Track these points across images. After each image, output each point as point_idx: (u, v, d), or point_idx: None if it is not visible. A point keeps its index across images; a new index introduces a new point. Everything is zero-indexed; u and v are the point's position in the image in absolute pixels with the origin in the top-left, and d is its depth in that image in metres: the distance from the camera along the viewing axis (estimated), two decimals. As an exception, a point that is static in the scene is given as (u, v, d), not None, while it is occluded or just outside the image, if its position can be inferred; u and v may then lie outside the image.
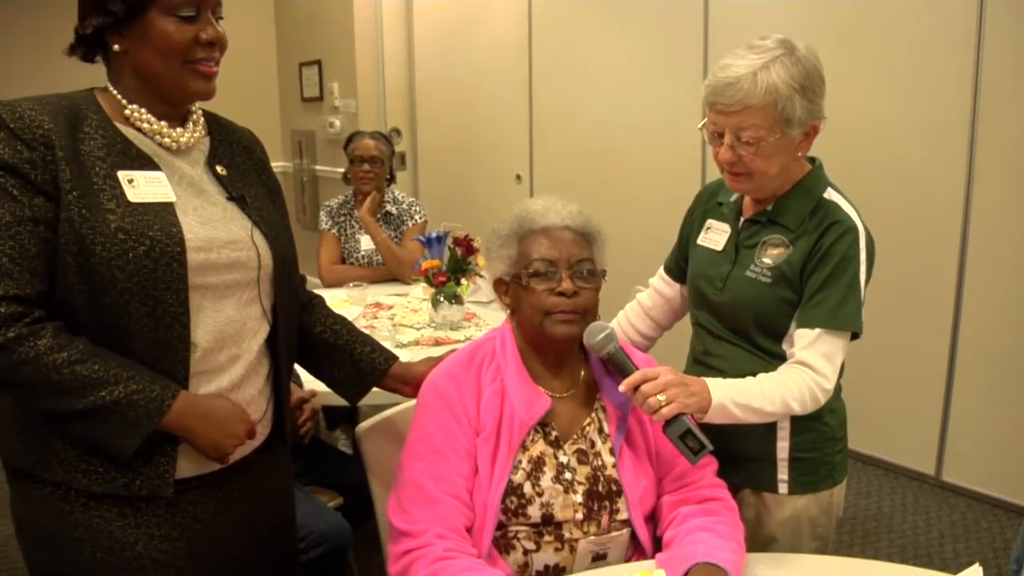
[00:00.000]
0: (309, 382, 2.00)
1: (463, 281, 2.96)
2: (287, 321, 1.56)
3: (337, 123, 5.89)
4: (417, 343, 2.75)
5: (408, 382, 1.73)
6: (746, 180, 1.69)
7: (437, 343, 2.75)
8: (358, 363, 1.72)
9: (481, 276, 3.02)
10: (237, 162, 1.53)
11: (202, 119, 1.49)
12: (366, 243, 3.69)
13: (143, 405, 1.28)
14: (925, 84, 3.40)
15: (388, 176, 3.79)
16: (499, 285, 1.69)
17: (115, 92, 1.38)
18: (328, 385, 1.77)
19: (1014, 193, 3.25)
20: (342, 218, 3.76)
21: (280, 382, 1.56)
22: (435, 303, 2.93)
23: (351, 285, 3.28)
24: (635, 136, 4.52)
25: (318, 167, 6.31)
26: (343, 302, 3.14)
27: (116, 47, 1.34)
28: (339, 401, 1.85)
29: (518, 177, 5.31)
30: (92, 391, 1.26)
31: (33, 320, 1.25)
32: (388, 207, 3.73)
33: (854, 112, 3.38)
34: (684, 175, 4.25)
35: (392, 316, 3.08)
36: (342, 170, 3.94)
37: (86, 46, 1.38)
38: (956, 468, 3.58)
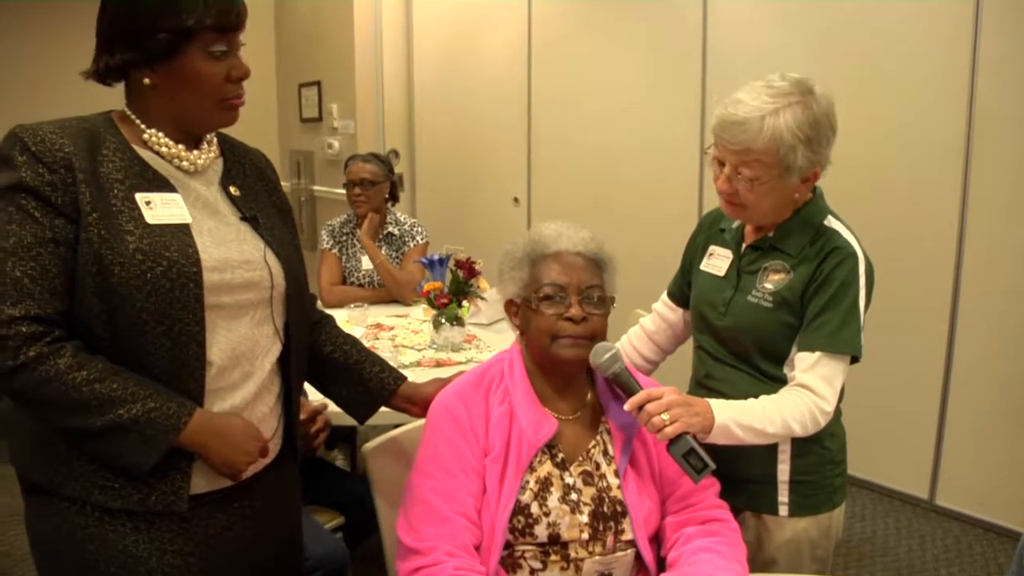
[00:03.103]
0: (316, 400, 2.02)
1: (464, 303, 2.99)
2: (299, 340, 1.58)
3: (336, 144, 5.93)
4: (419, 364, 2.78)
5: (416, 402, 1.76)
6: (740, 210, 1.74)
7: (438, 364, 2.78)
8: (367, 383, 1.75)
9: (482, 298, 3.05)
10: (249, 183, 1.56)
11: (215, 140, 1.53)
12: (367, 263, 3.70)
13: (160, 422, 1.30)
14: (920, 111, 3.46)
15: (388, 196, 3.81)
16: (510, 306, 1.72)
17: (134, 117, 1.41)
18: (337, 403, 1.79)
19: (1008, 218, 3.30)
20: (344, 237, 3.78)
21: (291, 400, 1.58)
22: (436, 324, 2.96)
23: (352, 306, 3.30)
24: (633, 160, 4.57)
25: (316, 187, 6.35)
26: (344, 323, 3.16)
27: (146, 81, 1.37)
28: (337, 420, 1.88)
29: (516, 200, 5.35)
30: (110, 409, 1.28)
31: (53, 339, 1.28)
32: (390, 228, 3.75)
33: (849, 139, 3.41)
34: (682, 199, 4.30)
35: (393, 337, 3.10)
36: (339, 191, 3.96)
37: (109, 75, 1.40)
38: (950, 492, 3.61)
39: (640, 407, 1.52)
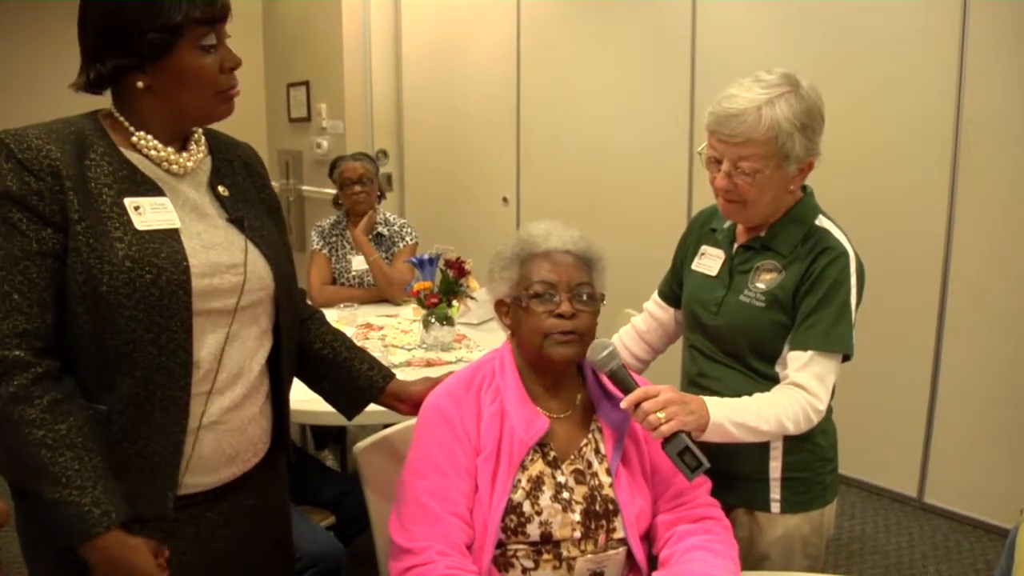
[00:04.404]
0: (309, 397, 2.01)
1: (454, 303, 2.99)
2: (288, 339, 1.58)
3: (324, 144, 5.91)
4: (409, 364, 2.77)
5: (405, 400, 1.75)
6: (739, 208, 1.74)
7: (428, 364, 2.77)
8: (356, 380, 1.74)
9: (472, 298, 3.04)
10: (238, 181, 1.55)
11: (203, 138, 1.51)
12: (357, 264, 3.70)
13: (73, 521, 1.26)
14: (908, 115, 3.48)
15: (378, 193, 3.82)
16: (500, 306, 1.71)
17: (122, 119, 1.39)
18: (326, 400, 1.78)
19: (995, 221, 3.32)
20: (334, 238, 3.78)
21: (281, 398, 1.58)
22: (426, 324, 2.95)
23: (342, 306, 3.30)
24: (622, 160, 4.58)
25: (305, 187, 6.33)
26: (335, 323, 3.12)
27: (140, 84, 1.35)
28: (327, 420, 1.86)
29: (505, 200, 5.35)
30: (41, 482, 1.26)
31: (35, 377, 1.26)
32: (379, 228, 3.75)
33: (837, 143, 3.42)
34: (671, 199, 4.30)
35: (383, 337, 3.10)
36: (328, 190, 3.96)
37: (99, 84, 1.39)
38: (938, 490, 3.63)
39: (636, 405, 1.52)
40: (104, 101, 1.43)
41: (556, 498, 1.56)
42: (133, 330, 1.30)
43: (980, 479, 3.48)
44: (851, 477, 3.86)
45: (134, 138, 1.39)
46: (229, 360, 1.43)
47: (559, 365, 1.63)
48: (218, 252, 1.41)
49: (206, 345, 1.39)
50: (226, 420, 1.43)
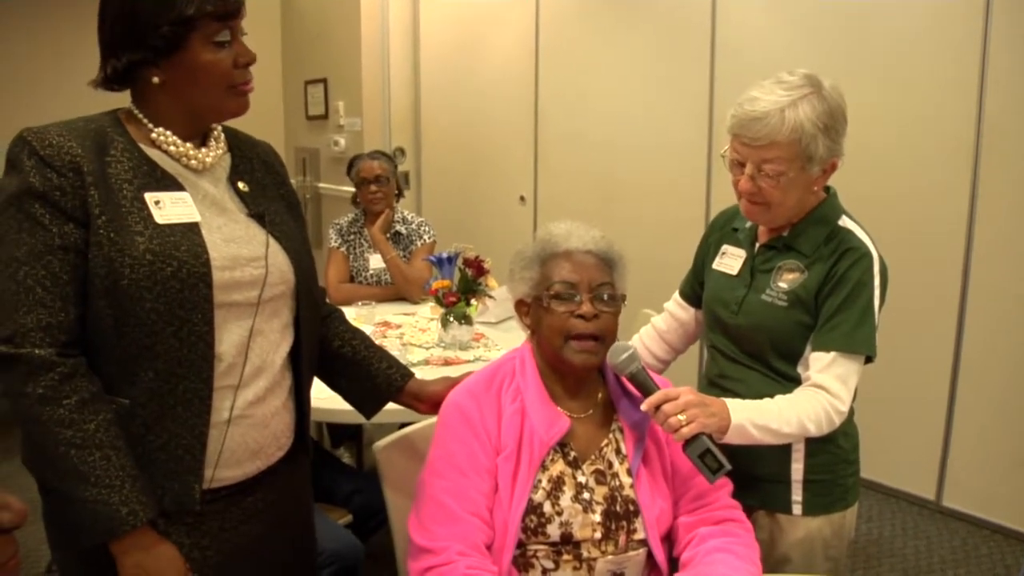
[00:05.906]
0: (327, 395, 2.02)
1: (473, 301, 2.98)
2: (310, 334, 1.58)
3: (342, 141, 5.92)
4: (427, 362, 2.77)
5: (423, 400, 1.75)
6: (763, 210, 1.73)
7: (447, 363, 2.77)
8: (374, 379, 1.75)
9: (490, 297, 3.04)
10: (258, 177, 1.56)
11: (223, 135, 1.52)
12: (375, 262, 3.71)
13: (101, 519, 1.27)
14: (929, 113, 3.46)
15: (396, 191, 3.82)
16: (520, 306, 1.71)
17: (141, 116, 1.40)
18: (344, 398, 1.79)
19: (1016, 221, 3.29)
20: (352, 236, 3.79)
21: (302, 394, 1.58)
22: (445, 323, 2.95)
23: (360, 304, 3.30)
24: (640, 159, 4.56)
25: (322, 185, 6.33)
26: (352, 321, 3.12)
27: (155, 79, 1.36)
28: (344, 418, 1.86)
29: (522, 199, 5.33)
30: (69, 481, 1.27)
31: (63, 376, 1.27)
32: (397, 227, 3.75)
33: (858, 141, 3.40)
34: (689, 198, 4.28)
35: (401, 335, 3.10)
36: (346, 188, 3.96)
37: (116, 80, 1.40)
38: (957, 493, 3.60)
39: (657, 407, 1.52)
40: (117, 100, 1.44)
41: (577, 498, 1.56)
42: (154, 323, 1.31)
43: (999, 482, 3.45)
44: (868, 479, 3.83)
45: (153, 134, 1.40)
46: (252, 353, 1.43)
47: (580, 371, 1.63)
48: (239, 245, 1.42)
49: (228, 339, 1.39)
50: (250, 414, 1.44)
